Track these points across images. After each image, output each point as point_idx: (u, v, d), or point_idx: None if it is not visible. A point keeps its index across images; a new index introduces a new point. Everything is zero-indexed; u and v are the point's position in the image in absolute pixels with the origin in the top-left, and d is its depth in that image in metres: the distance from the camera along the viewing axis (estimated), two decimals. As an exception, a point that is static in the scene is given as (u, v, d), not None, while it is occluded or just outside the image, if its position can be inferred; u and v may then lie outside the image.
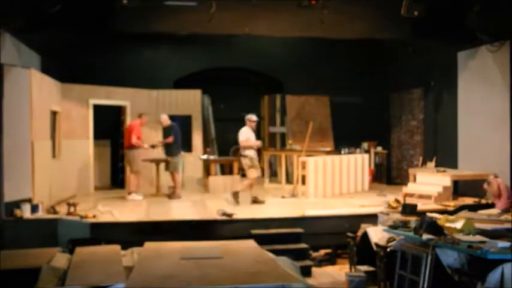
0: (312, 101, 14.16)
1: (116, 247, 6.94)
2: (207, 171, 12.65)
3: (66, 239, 7.59)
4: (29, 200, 8.60)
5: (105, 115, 12.54)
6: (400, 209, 7.94)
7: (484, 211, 8.40)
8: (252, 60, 14.25)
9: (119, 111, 12.69)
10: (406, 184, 10.95)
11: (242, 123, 10.29)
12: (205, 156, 12.50)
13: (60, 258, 6.29)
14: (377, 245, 6.86)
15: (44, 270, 5.52)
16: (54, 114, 10.63)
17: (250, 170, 9.79)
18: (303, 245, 7.98)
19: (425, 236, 5.82)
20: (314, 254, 8.26)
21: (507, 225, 6.51)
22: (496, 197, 8.53)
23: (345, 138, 13.14)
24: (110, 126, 13.01)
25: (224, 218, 8.40)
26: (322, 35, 11.04)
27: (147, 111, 12.71)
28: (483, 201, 9.45)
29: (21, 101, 8.61)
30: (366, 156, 12.45)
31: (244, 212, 9.05)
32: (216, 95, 14.76)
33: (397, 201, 9.27)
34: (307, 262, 7.76)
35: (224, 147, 14.81)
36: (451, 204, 9.27)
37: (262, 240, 7.63)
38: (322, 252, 8.61)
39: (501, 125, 9.70)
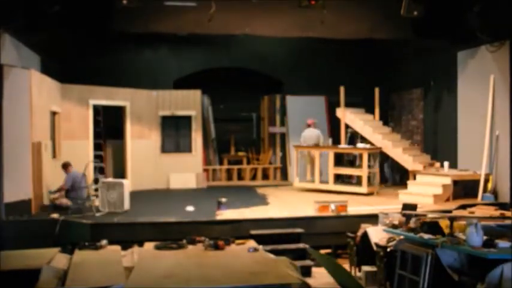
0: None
1: (116, 247, 6.94)
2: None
3: (66, 239, 7.59)
4: (29, 201, 8.61)
5: (107, 115, 12.61)
6: None
7: (484, 210, 8.41)
8: (252, 60, 14.25)
9: (120, 111, 12.66)
10: (405, 184, 10.94)
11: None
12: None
13: (60, 259, 6.29)
14: (377, 245, 6.87)
15: (44, 270, 5.51)
16: (54, 114, 10.63)
17: None
18: (303, 245, 7.98)
19: (426, 236, 5.83)
20: (314, 254, 8.25)
21: (507, 222, 6.51)
22: None
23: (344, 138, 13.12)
24: (111, 126, 13.02)
25: (224, 217, 8.43)
26: (322, 35, 11.05)
27: (147, 111, 12.76)
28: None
29: (21, 101, 8.61)
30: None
31: (244, 212, 9.06)
32: (216, 95, 14.77)
33: None
34: (307, 262, 7.76)
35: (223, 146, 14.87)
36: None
37: (262, 240, 7.63)
38: (322, 252, 8.60)
39: (501, 124, 9.71)
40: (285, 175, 14.46)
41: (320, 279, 7.43)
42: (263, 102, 15.68)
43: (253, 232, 7.97)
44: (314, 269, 7.80)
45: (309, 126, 12.16)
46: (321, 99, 14.36)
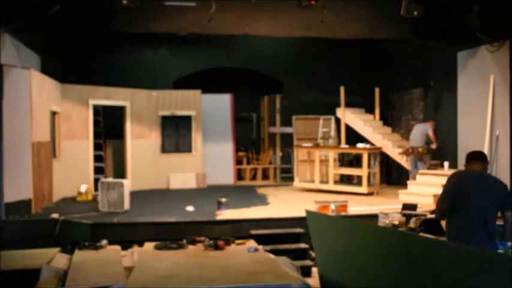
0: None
1: (116, 247, 6.94)
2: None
3: (66, 239, 7.58)
4: (29, 201, 8.61)
5: (107, 115, 12.60)
6: None
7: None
8: (252, 60, 14.25)
9: (120, 111, 12.64)
10: (405, 184, 10.94)
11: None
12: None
13: (60, 259, 6.29)
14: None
15: (44, 270, 5.51)
16: (54, 114, 10.63)
17: None
18: (303, 245, 7.98)
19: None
20: (314, 254, 8.26)
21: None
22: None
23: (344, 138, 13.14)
24: (111, 126, 13.01)
25: (224, 217, 8.43)
26: (322, 35, 11.05)
27: (147, 111, 12.76)
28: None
29: (21, 101, 8.61)
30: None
31: (244, 212, 9.06)
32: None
33: None
34: (307, 262, 7.76)
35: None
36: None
37: (262, 240, 7.63)
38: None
39: (501, 124, 9.71)
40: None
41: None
42: (263, 102, 15.69)
43: (253, 232, 7.98)
44: (314, 269, 7.80)
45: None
46: (226, 97, 14.23)
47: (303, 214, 8.75)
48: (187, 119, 13.16)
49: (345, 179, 12.41)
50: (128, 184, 9.25)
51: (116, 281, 5.21)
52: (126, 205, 9.04)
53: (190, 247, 6.93)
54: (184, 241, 7.08)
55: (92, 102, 11.85)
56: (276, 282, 5.20)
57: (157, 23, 10.13)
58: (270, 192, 11.83)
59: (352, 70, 14.14)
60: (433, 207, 9.19)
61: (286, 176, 14.15)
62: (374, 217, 7.87)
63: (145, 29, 10.48)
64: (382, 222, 7.35)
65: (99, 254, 6.61)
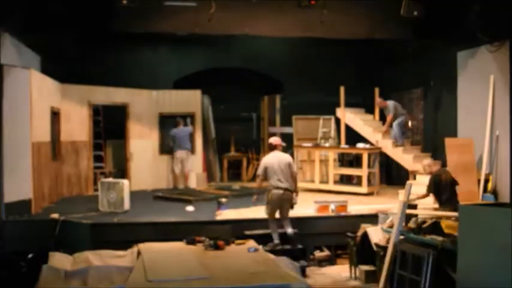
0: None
1: (180, 244, 7.03)
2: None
3: (66, 239, 7.59)
4: (29, 201, 8.61)
5: (107, 115, 12.59)
6: None
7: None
8: (252, 60, 14.24)
9: (121, 111, 12.61)
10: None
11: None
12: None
13: (60, 259, 6.30)
14: (377, 245, 6.88)
15: (44, 270, 5.52)
16: (54, 114, 10.63)
17: None
18: (303, 245, 7.97)
19: (426, 236, 5.84)
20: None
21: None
22: None
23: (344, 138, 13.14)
24: (111, 126, 13.00)
25: (224, 217, 8.43)
26: (322, 35, 11.05)
27: (147, 111, 12.76)
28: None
29: (21, 101, 8.61)
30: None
31: (244, 212, 9.06)
32: (216, 95, 14.74)
33: None
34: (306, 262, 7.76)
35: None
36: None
37: (262, 240, 7.63)
38: (323, 252, 8.60)
39: (501, 124, 9.70)
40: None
41: (319, 279, 7.44)
42: (263, 102, 15.67)
43: (253, 232, 7.96)
44: (313, 269, 7.82)
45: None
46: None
47: (303, 214, 8.79)
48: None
49: (345, 179, 12.41)
50: (127, 184, 9.26)
51: (196, 274, 5.36)
52: (126, 205, 9.04)
53: (190, 247, 6.94)
54: (184, 241, 7.08)
55: (92, 102, 11.85)
56: (276, 282, 5.22)
57: (157, 23, 10.14)
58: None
59: (352, 70, 14.13)
60: (433, 207, 9.20)
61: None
62: (374, 217, 7.87)
63: (145, 29, 10.49)
64: (382, 222, 7.35)
65: (166, 249, 6.72)
